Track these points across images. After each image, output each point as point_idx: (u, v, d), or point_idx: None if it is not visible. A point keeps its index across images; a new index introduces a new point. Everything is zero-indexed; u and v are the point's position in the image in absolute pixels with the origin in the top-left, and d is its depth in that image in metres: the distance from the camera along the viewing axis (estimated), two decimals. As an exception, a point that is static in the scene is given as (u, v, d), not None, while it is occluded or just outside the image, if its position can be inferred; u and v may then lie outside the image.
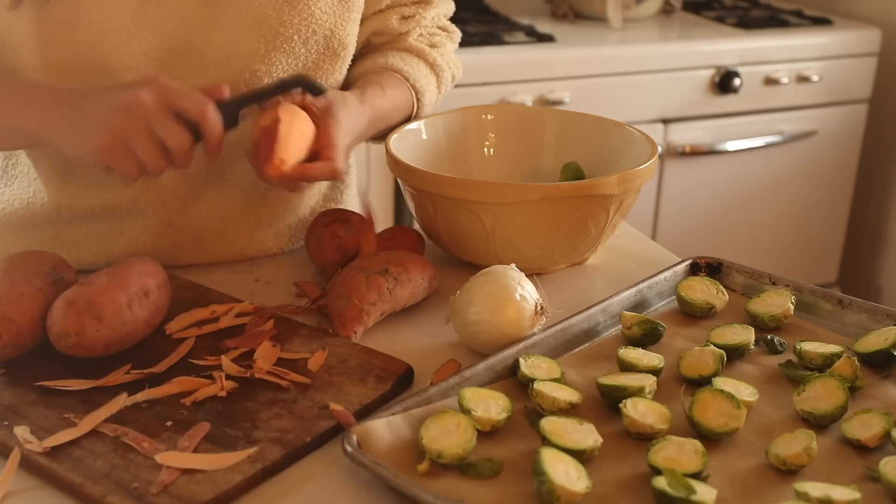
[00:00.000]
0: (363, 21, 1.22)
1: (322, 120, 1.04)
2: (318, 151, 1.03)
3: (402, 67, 1.22)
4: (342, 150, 1.05)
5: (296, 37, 1.11)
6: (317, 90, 1.05)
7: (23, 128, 0.99)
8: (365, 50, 1.27)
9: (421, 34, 1.29)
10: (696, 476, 0.78)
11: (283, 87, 1.05)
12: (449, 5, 1.33)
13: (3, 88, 1.02)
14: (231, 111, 1.02)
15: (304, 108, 1.04)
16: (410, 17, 1.26)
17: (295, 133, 1.01)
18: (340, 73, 1.19)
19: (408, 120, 1.24)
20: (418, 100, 1.24)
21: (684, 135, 2.55)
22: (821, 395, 0.89)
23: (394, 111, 1.20)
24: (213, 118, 0.97)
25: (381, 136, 1.23)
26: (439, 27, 1.33)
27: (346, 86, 1.23)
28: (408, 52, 1.25)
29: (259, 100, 1.04)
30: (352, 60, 1.21)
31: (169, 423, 0.86)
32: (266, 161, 0.99)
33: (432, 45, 1.29)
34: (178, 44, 1.06)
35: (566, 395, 0.88)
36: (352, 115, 1.09)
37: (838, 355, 0.95)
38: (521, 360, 0.93)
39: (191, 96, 0.97)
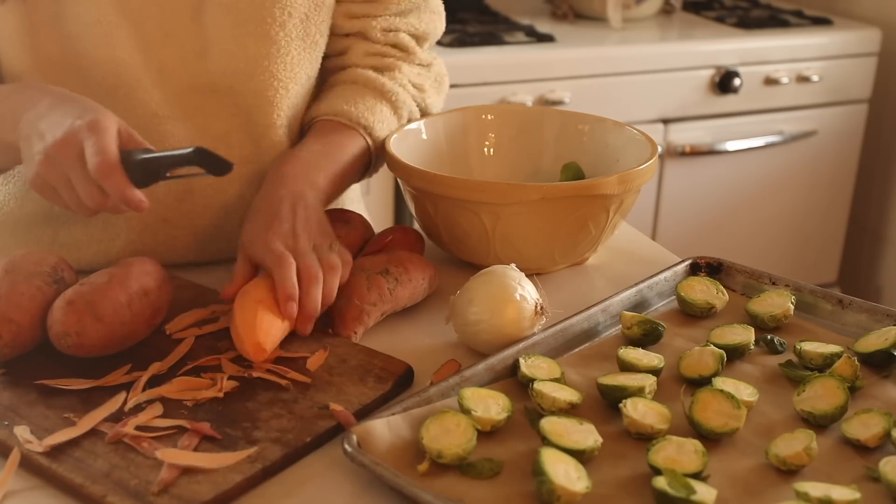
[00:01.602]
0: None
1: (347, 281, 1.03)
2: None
3: (349, 110, 1.17)
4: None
5: (269, 19, 1.10)
6: (218, 168, 0.95)
7: (6, 141, 1.00)
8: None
9: (369, 52, 1.23)
10: (696, 476, 0.78)
11: (185, 160, 0.95)
12: (424, 18, 1.25)
13: None
14: (151, 165, 0.94)
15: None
16: (359, 16, 1.21)
17: (267, 320, 0.95)
18: (317, 62, 1.19)
19: (367, 158, 1.19)
20: (370, 135, 1.18)
21: (684, 135, 2.55)
22: (821, 395, 0.89)
23: (349, 175, 1.17)
24: (112, 184, 0.91)
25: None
26: (393, 45, 1.24)
27: (308, 120, 1.20)
28: (354, 84, 1.20)
29: (171, 163, 0.96)
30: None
31: (169, 424, 0.85)
32: (244, 347, 0.95)
33: (381, 68, 1.22)
34: (157, 35, 1.07)
35: (566, 395, 0.88)
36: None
37: (838, 355, 0.95)
38: (521, 360, 0.93)
39: (94, 157, 0.91)
